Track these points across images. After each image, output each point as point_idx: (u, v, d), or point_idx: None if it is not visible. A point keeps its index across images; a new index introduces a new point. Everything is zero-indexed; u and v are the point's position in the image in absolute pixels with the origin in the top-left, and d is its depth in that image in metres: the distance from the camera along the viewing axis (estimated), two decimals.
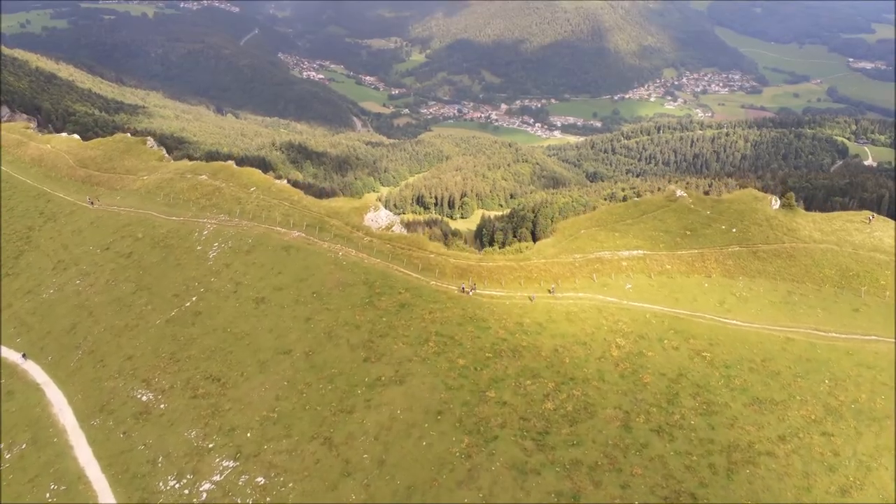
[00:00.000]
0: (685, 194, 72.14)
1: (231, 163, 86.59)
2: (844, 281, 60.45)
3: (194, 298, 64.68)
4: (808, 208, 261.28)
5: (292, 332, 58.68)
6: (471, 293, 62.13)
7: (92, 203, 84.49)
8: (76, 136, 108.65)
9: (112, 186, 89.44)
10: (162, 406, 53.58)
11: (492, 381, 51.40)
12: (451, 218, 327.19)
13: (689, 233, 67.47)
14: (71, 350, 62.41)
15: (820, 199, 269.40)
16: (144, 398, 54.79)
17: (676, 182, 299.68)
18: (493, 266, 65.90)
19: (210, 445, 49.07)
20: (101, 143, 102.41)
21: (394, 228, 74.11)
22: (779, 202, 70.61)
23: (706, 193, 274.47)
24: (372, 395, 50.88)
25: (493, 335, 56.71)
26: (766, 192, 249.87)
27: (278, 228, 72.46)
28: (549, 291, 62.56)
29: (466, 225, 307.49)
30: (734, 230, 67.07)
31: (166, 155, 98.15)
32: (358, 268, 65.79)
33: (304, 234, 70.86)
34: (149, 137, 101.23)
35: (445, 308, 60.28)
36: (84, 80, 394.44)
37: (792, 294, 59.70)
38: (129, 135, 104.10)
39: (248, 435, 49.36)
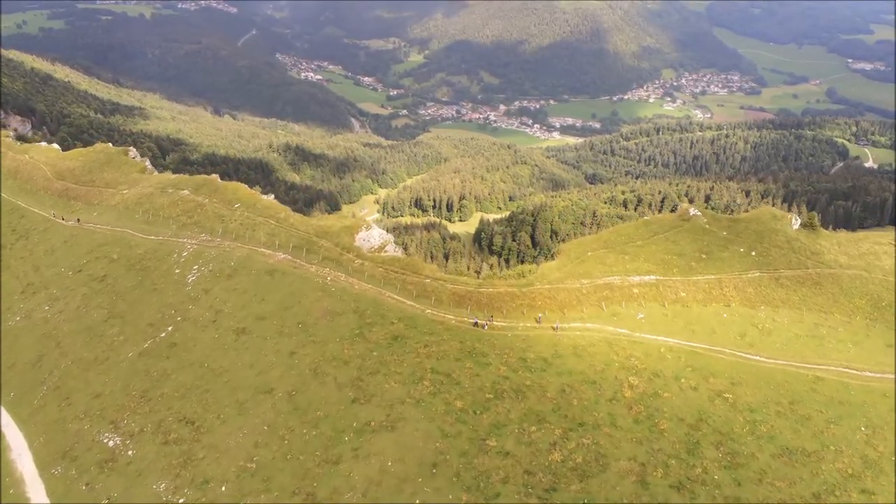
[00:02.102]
0: (699, 213, 67.34)
1: (215, 176, 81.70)
2: (877, 312, 55.65)
3: (170, 328, 59.78)
4: (811, 212, 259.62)
5: (275, 367, 53.79)
6: (485, 327, 57.18)
7: (63, 219, 79.57)
8: (55, 146, 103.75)
9: (90, 201, 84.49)
10: (130, 453, 48.68)
11: (493, 427, 46.53)
12: (450, 221, 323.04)
13: (704, 256, 62.64)
14: (35, 386, 57.53)
15: (823, 203, 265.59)
16: (111, 443, 49.91)
17: (677, 184, 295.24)
18: (493, 292, 61.04)
19: (181, 501, 44.24)
20: (81, 153, 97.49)
21: (387, 249, 69.26)
22: (799, 221, 65.82)
23: (707, 198, 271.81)
24: (360, 443, 45.99)
25: (494, 372, 51.84)
26: (767, 196, 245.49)
27: (263, 250, 67.56)
28: (536, 321, 57.81)
29: (465, 228, 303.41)
30: (753, 253, 62.27)
31: (149, 166, 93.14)
32: (347, 294, 60.91)
33: (290, 257, 65.96)
34: (131, 148, 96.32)
35: (442, 341, 55.43)
36: (80, 81, 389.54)
37: (819, 326, 54.87)
38: (110, 145, 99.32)
39: (223, 489, 44.48)
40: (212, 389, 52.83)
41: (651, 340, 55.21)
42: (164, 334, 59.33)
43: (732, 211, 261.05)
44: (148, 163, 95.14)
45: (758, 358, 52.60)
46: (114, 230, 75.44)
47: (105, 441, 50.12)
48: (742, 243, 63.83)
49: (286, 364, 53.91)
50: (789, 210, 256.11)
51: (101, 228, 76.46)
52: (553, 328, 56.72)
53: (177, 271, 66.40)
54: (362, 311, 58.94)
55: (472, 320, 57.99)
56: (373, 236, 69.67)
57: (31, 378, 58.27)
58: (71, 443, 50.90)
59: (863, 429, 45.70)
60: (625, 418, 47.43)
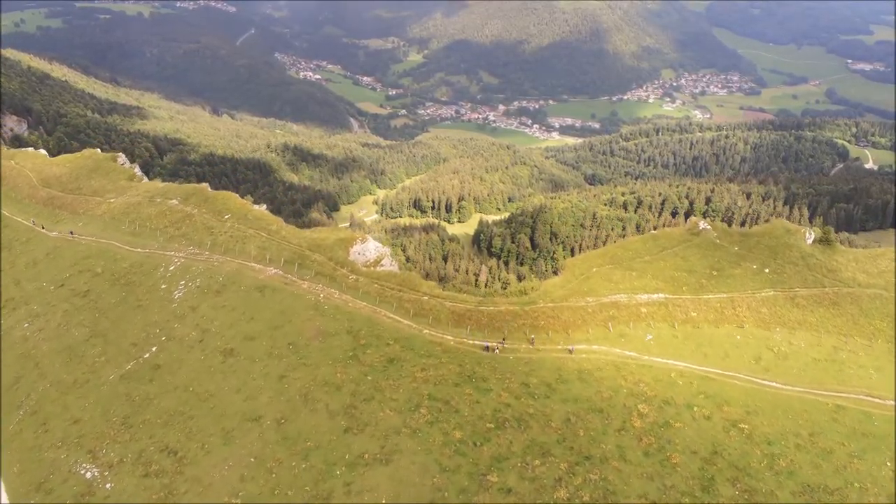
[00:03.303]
0: (709, 227, 64.46)
1: (205, 185, 78.71)
2: None
3: (154, 349, 56.82)
4: (812, 215, 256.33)
5: (263, 393, 50.86)
6: (497, 351, 54.29)
7: (43, 227, 76.65)
8: (42, 152, 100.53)
9: (75, 210, 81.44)
10: (108, 486, 45.74)
11: (494, 461, 43.66)
12: (449, 222, 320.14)
13: (715, 273, 59.73)
14: (11, 410, 54.59)
15: (825, 205, 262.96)
16: (89, 475, 46.97)
17: (677, 186, 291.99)
18: (493, 311, 58.14)
19: None
20: (68, 159, 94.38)
21: (383, 262, 66.32)
22: (813, 236, 62.95)
23: (707, 200, 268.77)
24: (353, 478, 43.09)
25: (495, 399, 48.96)
26: (768, 198, 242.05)
27: (253, 264, 64.57)
28: (529, 343, 54.95)
29: (464, 229, 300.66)
30: (767, 270, 59.35)
31: (138, 173, 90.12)
32: (341, 313, 57.99)
33: (281, 272, 62.99)
34: (120, 154, 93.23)
35: (440, 364, 52.55)
36: (78, 80, 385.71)
37: (839, 350, 51.99)
38: (98, 151, 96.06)
39: None
40: (196, 416, 49.91)
41: (661, 364, 52.35)
42: (147, 355, 56.38)
43: (733, 213, 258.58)
44: (137, 169, 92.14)
45: (774, 384, 49.74)
46: (99, 242, 72.43)
47: (82, 472, 47.20)
48: (755, 259, 60.92)
49: (275, 389, 51.01)
50: (791, 212, 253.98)
51: (86, 240, 73.42)
52: (569, 351, 53.80)
53: (163, 287, 63.45)
54: (356, 331, 56.05)
55: (482, 344, 54.90)
56: (368, 249, 66.72)
57: (8, 401, 55.33)
58: (46, 473, 47.98)
59: (888, 464, 42.87)
60: (634, 451, 44.59)
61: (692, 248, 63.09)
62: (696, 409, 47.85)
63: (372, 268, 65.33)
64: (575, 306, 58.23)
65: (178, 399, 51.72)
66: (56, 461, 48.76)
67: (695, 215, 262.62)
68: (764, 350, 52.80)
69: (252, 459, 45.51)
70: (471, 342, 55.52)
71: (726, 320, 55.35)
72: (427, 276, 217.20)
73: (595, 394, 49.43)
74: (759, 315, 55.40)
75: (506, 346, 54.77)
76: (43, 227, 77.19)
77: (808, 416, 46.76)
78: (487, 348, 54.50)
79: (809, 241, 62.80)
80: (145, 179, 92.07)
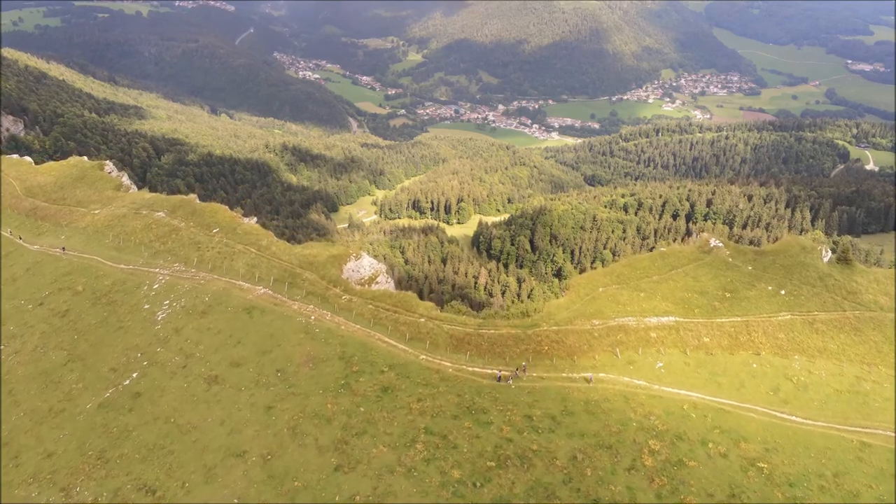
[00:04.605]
0: (721, 244, 61.23)
1: (193, 196, 75.47)
2: None
3: (135, 375, 53.60)
4: (814, 218, 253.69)
5: (249, 425, 47.68)
6: (511, 381, 51.06)
7: (21, 239, 73.49)
8: (27, 159, 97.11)
9: (58, 222, 78.08)
10: None
11: None
12: (448, 223, 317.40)
13: (728, 295, 56.58)
14: None
15: (827, 208, 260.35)
16: None
17: (678, 188, 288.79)
18: (494, 335, 54.97)
19: None
20: (54, 167, 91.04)
21: (378, 280, 63.17)
22: (829, 253, 59.84)
23: (709, 202, 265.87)
24: None
25: (496, 434, 45.81)
26: (770, 200, 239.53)
27: (241, 283, 61.34)
28: (522, 370, 51.81)
29: (463, 231, 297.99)
30: (783, 292, 56.23)
31: (125, 181, 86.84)
32: (333, 337, 54.80)
33: (270, 292, 59.80)
34: (107, 162, 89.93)
35: (437, 393, 49.41)
36: (75, 79, 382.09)
37: (862, 381, 48.87)
38: (85, 158, 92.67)
39: None
40: (177, 451, 46.70)
41: (672, 395, 49.20)
42: (127, 382, 53.16)
43: (735, 216, 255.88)
44: (125, 178, 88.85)
45: (794, 418, 46.61)
46: (81, 257, 69.12)
47: None
48: (770, 280, 57.78)
49: (262, 421, 47.83)
50: (793, 215, 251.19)
51: (68, 254, 70.13)
52: (586, 380, 50.51)
53: (146, 307, 60.21)
54: (349, 356, 52.89)
55: (496, 373, 51.62)
56: (363, 266, 63.54)
57: None
58: None
59: None
60: (646, 493, 41.45)
61: (703, 267, 59.92)
62: (711, 445, 44.72)
63: (366, 286, 62.18)
64: (580, 330, 55.06)
65: (158, 431, 48.52)
66: (27, 499, 45.53)
67: (696, 218, 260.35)
68: (782, 380, 49.64)
69: (235, 501, 42.35)
70: (470, 369, 52.36)
71: (741, 346, 52.19)
72: (426, 278, 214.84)
73: (603, 428, 46.28)
74: (775, 341, 52.25)
75: (523, 374, 51.44)
76: (21, 239, 73.84)
77: (831, 455, 43.64)
78: (500, 378, 51.14)
79: (826, 260, 59.71)
80: (133, 188, 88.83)
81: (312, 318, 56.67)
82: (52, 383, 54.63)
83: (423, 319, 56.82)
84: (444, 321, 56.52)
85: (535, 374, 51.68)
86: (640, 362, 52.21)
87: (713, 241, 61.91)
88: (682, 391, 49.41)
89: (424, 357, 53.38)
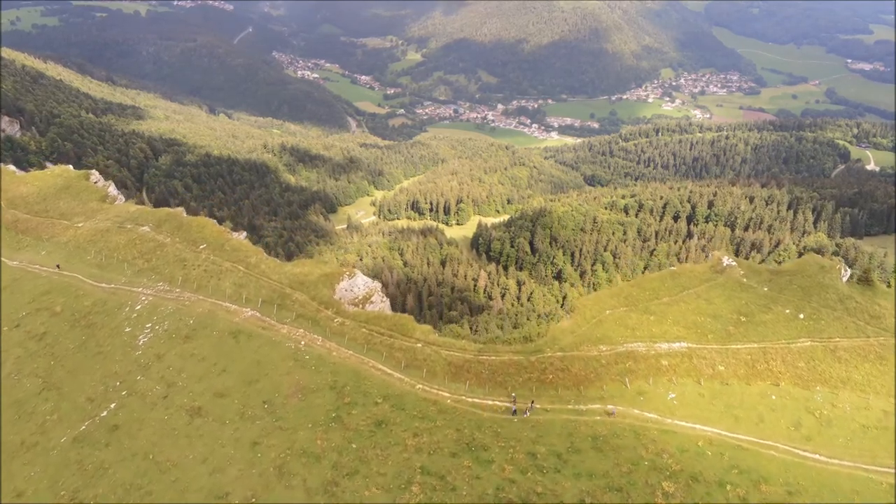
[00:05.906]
0: (734, 263, 58.01)
1: (180, 210, 72.21)
2: None
3: (113, 405, 50.36)
4: (816, 220, 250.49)
5: (233, 464, 44.45)
6: (527, 414, 47.72)
7: None
8: (11, 168, 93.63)
9: (40, 236, 74.78)
10: None
11: None
12: (447, 224, 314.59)
13: (743, 318, 53.39)
14: None
15: (829, 210, 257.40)
16: None
17: (678, 189, 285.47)
18: (496, 362, 51.75)
19: None
20: (38, 177, 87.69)
21: (373, 299, 59.94)
22: (849, 272, 56.67)
23: (710, 204, 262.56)
24: None
25: (498, 474, 42.56)
26: (772, 202, 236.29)
27: (227, 304, 58.08)
28: (511, 400, 48.63)
29: (462, 232, 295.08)
30: (801, 316, 53.06)
31: (111, 192, 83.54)
32: (324, 364, 51.57)
33: (258, 314, 56.56)
34: (93, 171, 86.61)
35: (435, 428, 46.18)
36: (73, 79, 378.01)
37: (890, 416, 45.65)
38: (70, 168, 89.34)
39: None
40: (155, 492, 43.45)
41: (686, 429, 45.95)
42: (105, 413, 49.93)
43: (736, 218, 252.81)
44: (111, 188, 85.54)
45: (818, 457, 43.40)
46: (61, 275, 65.83)
47: None
48: (787, 302, 54.59)
49: (246, 459, 44.58)
50: (795, 217, 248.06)
51: (47, 271, 66.85)
52: (609, 413, 47.09)
53: (127, 330, 56.96)
54: (340, 386, 49.66)
55: (511, 406, 48.30)
56: (356, 285, 60.31)
57: None
58: None
59: None
60: None
61: (716, 288, 56.68)
62: (729, 487, 41.48)
63: (360, 306, 58.95)
64: (587, 356, 51.84)
65: (135, 469, 45.26)
66: None
67: (697, 220, 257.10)
68: (804, 414, 46.41)
69: None
70: (470, 400, 49.13)
71: (759, 376, 48.93)
72: (425, 280, 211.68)
73: (612, 467, 43.05)
74: (795, 370, 49.02)
75: (536, 407, 48.25)
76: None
77: (859, 499, 40.43)
78: (515, 412, 47.88)
79: (845, 280, 56.53)
80: (120, 199, 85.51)
81: (302, 343, 53.44)
82: (24, 414, 51.37)
83: (419, 345, 53.59)
84: (442, 346, 53.31)
85: (538, 406, 48.44)
86: (651, 393, 48.98)
87: (726, 260, 58.68)
88: (696, 425, 46.17)
89: (421, 386, 50.16)
